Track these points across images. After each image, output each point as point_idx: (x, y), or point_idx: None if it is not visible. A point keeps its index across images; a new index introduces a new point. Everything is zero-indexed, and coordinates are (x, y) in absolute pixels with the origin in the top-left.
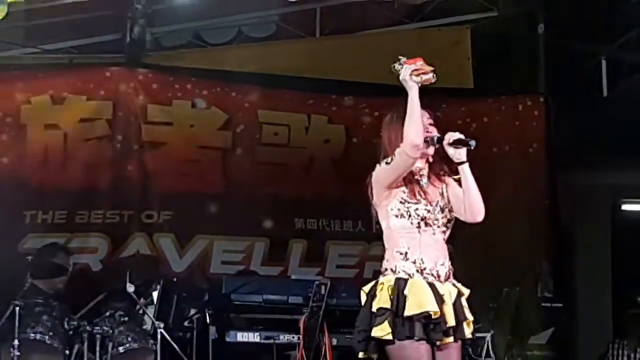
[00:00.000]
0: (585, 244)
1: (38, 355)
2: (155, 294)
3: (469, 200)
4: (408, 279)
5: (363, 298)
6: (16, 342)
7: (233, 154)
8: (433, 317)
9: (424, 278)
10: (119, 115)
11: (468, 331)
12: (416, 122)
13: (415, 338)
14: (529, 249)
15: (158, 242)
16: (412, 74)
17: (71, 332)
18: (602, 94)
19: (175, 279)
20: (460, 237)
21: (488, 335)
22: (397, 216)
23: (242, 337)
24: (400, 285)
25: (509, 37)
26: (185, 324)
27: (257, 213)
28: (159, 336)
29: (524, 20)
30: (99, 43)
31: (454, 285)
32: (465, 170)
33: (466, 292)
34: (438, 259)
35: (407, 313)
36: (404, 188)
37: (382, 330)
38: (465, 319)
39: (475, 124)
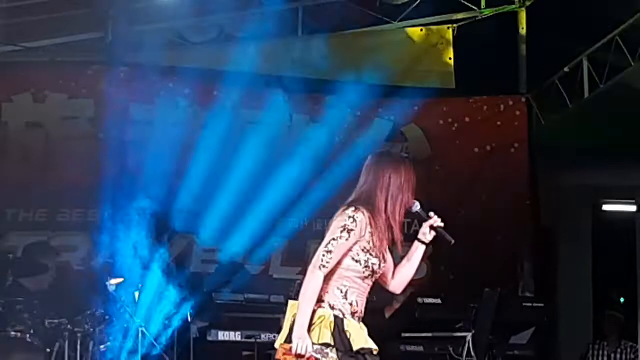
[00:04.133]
0: (566, 244)
1: (19, 354)
2: (136, 293)
3: (404, 276)
4: (343, 318)
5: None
6: None
7: (215, 152)
8: (374, 352)
9: (355, 320)
10: (101, 113)
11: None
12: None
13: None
14: (510, 249)
15: (138, 240)
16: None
17: (52, 331)
18: (583, 94)
19: None
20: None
21: (469, 335)
22: (354, 260)
23: (224, 335)
24: (339, 323)
25: (491, 37)
26: (166, 322)
27: (239, 211)
28: (139, 335)
29: (506, 21)
30: (80, 41)
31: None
32: (420, 250)
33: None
34: (363, 303)
35: (355, 347)
36: (374, 236)
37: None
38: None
39: (456, 123)
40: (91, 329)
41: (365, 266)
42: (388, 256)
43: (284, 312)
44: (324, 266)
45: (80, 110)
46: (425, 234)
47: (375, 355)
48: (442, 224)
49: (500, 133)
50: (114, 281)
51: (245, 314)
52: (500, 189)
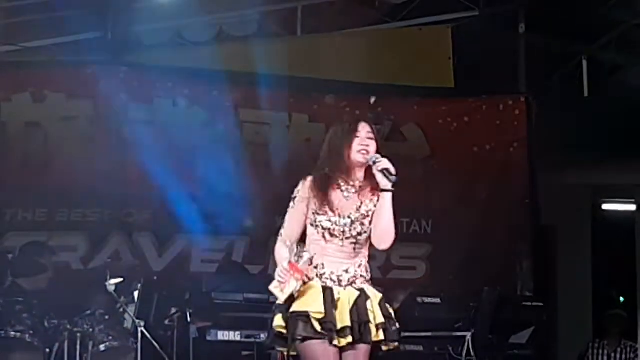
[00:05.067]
0: (566, 243)
1: (18, 354)
2: (135, 293)
3: (377, 228)
4: (307, 281)
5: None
6: None
7: (214, 152)
8: (314, 317)
9: (323, 282)
10: (100, 113)
11: (377, 333)
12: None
13: (298, 336)
14: (510, 248)
15: (138, 240)
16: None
17: (51, 331)
18: (583, 94)
19: (155, 278)
20: (441, 236)
21: (468, 335)
22: (311, 225)
23: (223, 335)
24: (327, 294)
25: (490, 36)
26: (166, 322)
27: (238, 211)
28: (139, 335)
29: (505, 20)
30: (80, 41)
31: (358, 289)
32: (384, 198)
33: (377, 296)
34: (340, 266)
35: (291, 310)
36: (316, 199)
37: (277, 321)
38: (368, 320)
39: (456, 123)
40: (91, 329)
41: (316, 226)
42: (373, 206)
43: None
44: (281, 235)
45: (80, 110)
46: (381, 180)
47: (309, 318)
48: (386, 163)
49: (500, 133)
50: (113, 281)
51: (245, 314)
52: (499, 189)
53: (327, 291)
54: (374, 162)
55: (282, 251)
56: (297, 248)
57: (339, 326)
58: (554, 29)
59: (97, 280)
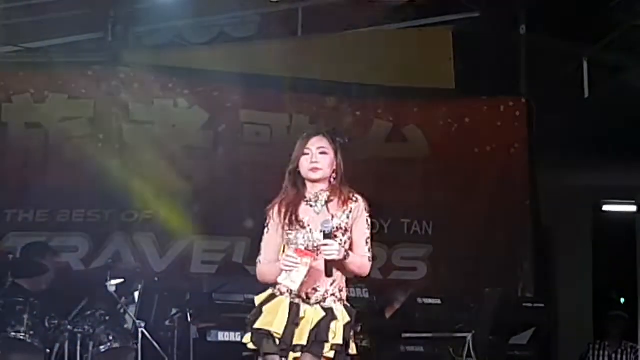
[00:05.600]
0: (566, 244)
1: (19, 354)
2: (136, 294)
3: (346, 273)
4: (278, 296)
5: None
6: None
7: (214, 153)
8: (275, 336)
9: (292, 298)
10: (101, 114)
11: (330, 353)
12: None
13: (262, 351)
14: (510, 249)
15: (139, 241)
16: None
17: (52, 331)
18: (584, 95)
19: (156, 278)
20: (442, 237)
21: (469, 336)
22: (286, 244)
23: (224, 336)
24: (266, 302)
25: (491, 37)
26: (167, 323)
27: (238, 212)
28: (140, 335)
29: (506, 21)
30: (81, 42)
31: (325, 309)
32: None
33: (344, 318)
34: (312, 283)
35: (255, 326)
36: (285, 219)
37: (246, 340)
38: (326, 340)
39: (456, 124)
40: (91, 330)
41: (290, 243)
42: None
43: None
44: (259, 261)
45: (80, 111)
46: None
47: (270, 336)
48: (327, 226)
49: (500, 134)
50: (114, 282)
51: (246, 315)
52: (500, 190)
53: (293, 308)
54: (322, 232)
55: (264, 270)
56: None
57: (294, 342)
58: (555, 30)
59: (97, 281)
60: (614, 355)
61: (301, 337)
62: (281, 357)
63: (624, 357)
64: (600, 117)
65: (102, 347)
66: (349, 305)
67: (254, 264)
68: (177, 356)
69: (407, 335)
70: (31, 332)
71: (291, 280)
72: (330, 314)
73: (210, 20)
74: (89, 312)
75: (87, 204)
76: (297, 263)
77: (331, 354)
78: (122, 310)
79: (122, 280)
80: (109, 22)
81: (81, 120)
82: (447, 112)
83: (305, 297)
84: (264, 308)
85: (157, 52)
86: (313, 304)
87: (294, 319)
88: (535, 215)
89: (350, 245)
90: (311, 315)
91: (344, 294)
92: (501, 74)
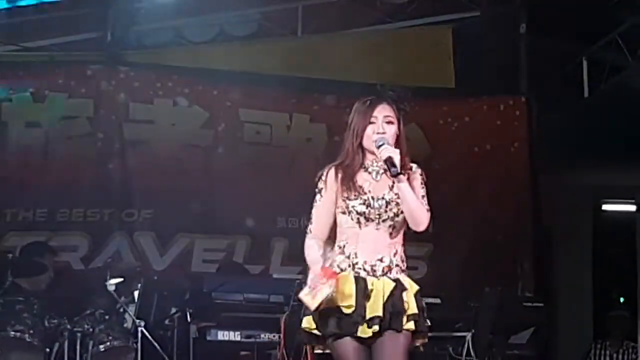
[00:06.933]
0: (567, 244)
1: (18, 353)
2: (136, 293)
3: (405, 212)
4: (339, 273)
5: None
6: None
7: (214, 152)
8: (345, 311)
9: (356, 272)
10: (101, 113)
11: (409, 324)
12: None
13: (330, 332)
14: (510, 248)
15: (139, 240)
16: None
17: (52, 331)
18: (583, 94)
19: (156, 278)
20: (442, 236)
21: (469, 335)
22: (342, 213)
23: (223, 335)
24: (360, 283)
25: (491, 37)
26: (166, 322)
27: (238, 211)
28: (139, 334)
29: (506, 20)
30: (80, 41)
31: (393, 280)
32: (398, 184)
33: (413, 287)
34: (376, 254)
35: (368, 315)
36: (343, 185)
37: (307, 323)
38: (403, 311)
39: (456, 123)
40: (91, 329)
41: (350, 212)
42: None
43: (284, 312)
44: (310, 231)
45: (80, 110)
46: (387, 169)
47: (341, 313)
48: (388, 153)
49: (500, 133)
50: (113, 281)
51: (245, 314)
52: (500, 189)
53: (359, 282)
54: (378, 147)
55: (313, 252)
56: (328, 250)
57: (368, 316)
58: (555, 30)
59: (97, 280)
60: (615, 355)
61: (376, 308)
62: (352, 336)
63: (626, 356)
64: (600, 116)
65: (101, 346)
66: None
67: (254, 263)
68: (176, 355)
69: None
70: (31, 331)
71: (312, 297)
72: (399, 284)
73: (210, 19)
74: (88, 312)
75: (87, 203)
76: (322, 283)
77: (411, 325)
78: (121, 310)
79: (121, 279)
80: (109, 21)
81: (81, 120)
82: (447, 111)
83: (370, 270)
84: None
85: (157, 51)
86: (380, 276)
87: (363, 292)
88: (535, 214)
89: None
90: (380, 286)
91: (405, 265)
92: (501, 73)
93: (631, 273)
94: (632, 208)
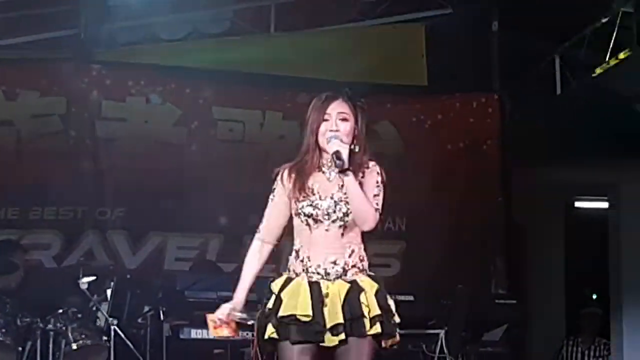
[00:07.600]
0: (539, 241)
1: None
2: (108, 291)
3: (353, 211)
4: (294, 278)
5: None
6: None
7: (187, 150)
8: (302, 319)
9: (309, 277)
10: (73, 111)
11: (371, 326)
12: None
13: (291, 340)
14: (483, 245)
15: (111, 238)
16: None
17: (24, 329)
18: (556, 92)
19: (128, 276)
20: (415, 233)
21: (442, 332)
22: (295, 215)
23: (197, 334)
24: (284, 287)
25: (464, 34)
26: (139, 320)
27: (212, 209)
28: (112, 333)
29: (479, 18)
30: (52, 39)
31: (349, 282)
32: (344, 180)
33: (372, 287)
34: (327, 256)
35: (280, 314)
36: (294, 187)
37: (268, 331)
38: (362, 314)
39: (429, 121)
40: (63, 328)
41: (299, 214)
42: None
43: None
44: (259, 231)
45: (52, 108)
46: (333, 162)
47: (299, 321)
48: (335, 147)
49: (473, 130)
50: (86, 279)
51: None
52: (473, 186)
53: (313, 287)
54: (328, 142)
55: (247, 268)
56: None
57: (329, 325)
58: (527, 27)
59: (70, 279)
60: (587, 352)
61: (336, 315)
62: (316, 342)
63: (597, 352)
64: (572, 114)
65: (74, 344)
66: (373, 274)
67: (227, 261)
68: (149, 354)
69: None
70: (3, 330)
71: (213, 327)
72: (355, 286)
73: (182, 17)
74: (61, 310)
75: (59, 201)
76: (224, 325)
77: (377, 328)
78: (94, 308)
79: (94, 277)
80: (82, 19)
81: (53, 117)
82: (420, 109)
83: (324, 273)
84: (283, 294)
85: (130, 49)
86: (334, 279)
87: (317, 297)
88: (508, 212)
89: None
90: (336, 290)
91: (366, 264)
92: (474, 70)
93: (603, 270)
94: (605, 205)
